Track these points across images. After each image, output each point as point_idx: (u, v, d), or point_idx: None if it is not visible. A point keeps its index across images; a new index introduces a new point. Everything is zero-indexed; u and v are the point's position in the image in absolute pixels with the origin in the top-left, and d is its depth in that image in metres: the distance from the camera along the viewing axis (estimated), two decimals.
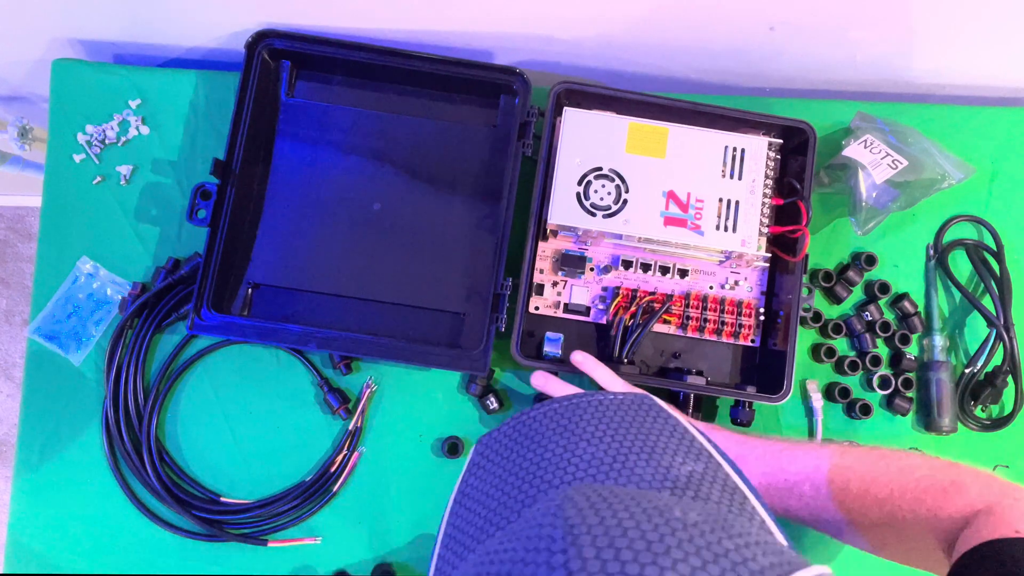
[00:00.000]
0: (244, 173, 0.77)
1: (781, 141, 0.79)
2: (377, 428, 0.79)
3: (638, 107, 0.78)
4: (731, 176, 0.76)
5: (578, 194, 0.74)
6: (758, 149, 0.76)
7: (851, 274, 0.81)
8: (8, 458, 1.60)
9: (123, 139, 0.83)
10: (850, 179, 0.79)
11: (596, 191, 0.75)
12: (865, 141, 0.78)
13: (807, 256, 0.75)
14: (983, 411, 0.81)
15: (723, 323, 0.78)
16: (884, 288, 0.81)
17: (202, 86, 0.83)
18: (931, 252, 0.83)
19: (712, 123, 0.78)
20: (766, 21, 0.77)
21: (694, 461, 0.37)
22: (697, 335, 0.79)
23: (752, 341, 0.79)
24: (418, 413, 0.80)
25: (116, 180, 0.82)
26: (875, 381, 0.79)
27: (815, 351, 0.81)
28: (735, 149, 0.76)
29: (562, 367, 0.75)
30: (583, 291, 0.79)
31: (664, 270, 0.79)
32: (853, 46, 0.81)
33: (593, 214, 0.74)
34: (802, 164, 0.77)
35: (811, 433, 0.81)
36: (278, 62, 0.81)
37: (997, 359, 0.80)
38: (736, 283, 0.80)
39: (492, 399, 0.78)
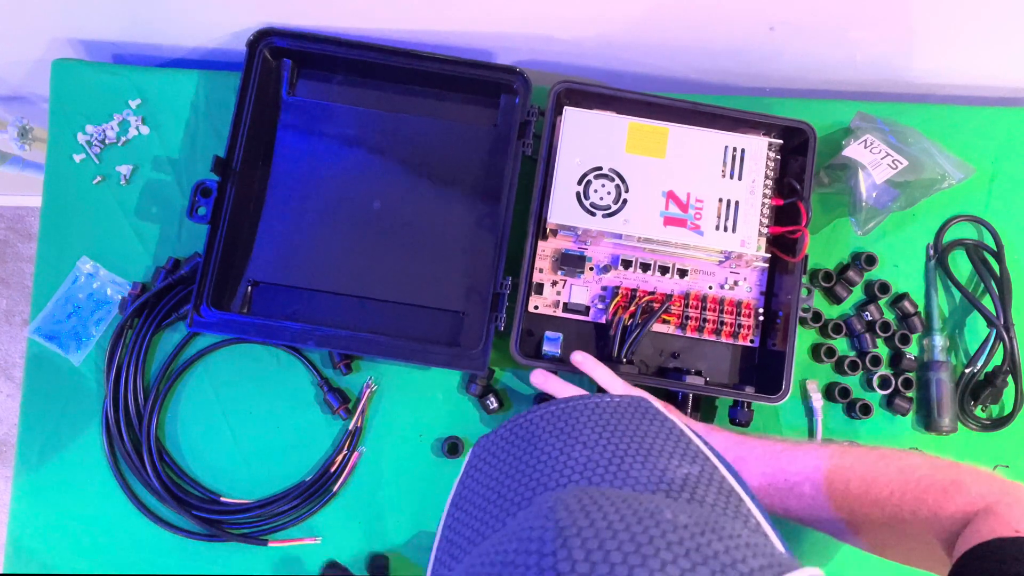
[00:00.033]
0: (244, 171, 0.77)
1: (781, 141, 0.79)
2: (377, 428, 0.79)
3: (638, 107, 0.78)
4: (731, 176, 0.76)
5: (578, 193, 0.74)
6: (758, 149, 0.76)
7: (851, 274, 0.81)
8: (8, 458, 1.60)
9: (123, 139, 0.83)
10: (850, 179, 0.79)
11: (596, 191, 0.75)
12: (865, 141, 0.78)
13: (807, 256, 0.75)
14: (983, 411, 0.81)
15: (722, 323, 0.78)
16: (884, 288, 0.81)
17: (202, 86, 0.83)
18: (931, 252, 0.83)
19: (712, 123, 0.78)
20: (766, 21, 0.77)
21: (690, 464, 0.37)
22: (696, 335, 0.79)
23: (751, 341, 0.79)
24: (418, 413, 0.80)
25: (116, 180, 0.82)
26: (875, 381, 0.79)
27: (815, 351, 0.81)
28: (735, 149, 0.76)
29: (561, 366, 0.75)
30: (582, 290, 0.79)
31: (663, 270, 0.79)
32: (853, 46, 0.81)
33: (593, 214, 0.74)
34: (802, 164, 0.77)
35: (811, 433, 0.81)
36: (279, 60, 0.81)
37: (997, 359, 0.80)
38: (735, 283, 0.80)
39: (492, 399, 0.78)
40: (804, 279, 0.75)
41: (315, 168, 0.81)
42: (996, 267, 0.82)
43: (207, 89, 0.83)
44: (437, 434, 0.79)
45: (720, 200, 0.75)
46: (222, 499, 0.78)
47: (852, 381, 0.81)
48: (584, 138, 0.75)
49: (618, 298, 0.78)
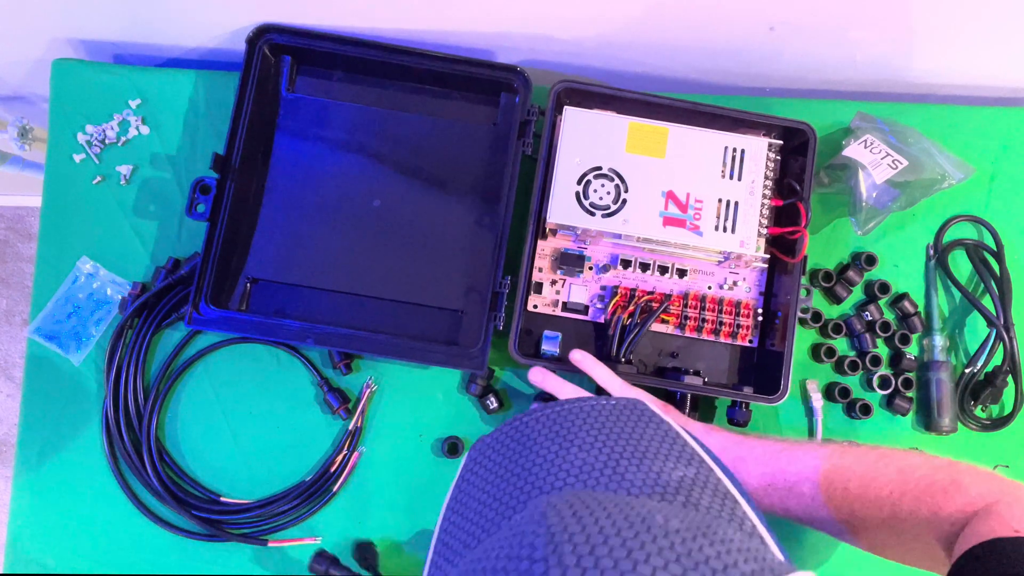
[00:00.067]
0: (244, 168, 0.77)
1: (781, 142, 0.79)
2: (377, 428, 0.79)
3: (638, 107, 0.78)
4: (731, 176, 0.76)
5: (577, 193, 0.74)
6: (758, 149, 0.76)
7: (851, 274, 0.81)
8: (8, 458, 1.60)
9: (123, 139, 0.83)
10: (850, 179, 0.79)
11: (595, 190, 0.75)
12: (865, 141, 0.78)
13: (806, 257, 0.75)
14: (983, 411, 0.81)
15: (721, 323, 0.78)
16: (884, 288, 0.81)
17: (202, 86, 0.83)
18: (931, 252, 0.83)
19: (712, 123, 0.78)
20: (766, 21, 0.77)
21: (685, 466, 0.37)
22: (695, 335, 0.79)
23: (750, 342, 0.79)
24: (418, 413, 0.80)
25: (116, 180, 0.82)
26: (875, 381, 0.79)
27: (815, 351, 0.81)
28: (735, 149, 0.76)
29: (560, 366, 0.75)
30: (582, 290, 0.79)
31: (663, 270, 0.79)
32: (853, 46, 0.81)
33: (592, 213, 0.74)
34: (802, 165, 0.77)
35: (811, 433, 0.81)
36: (279, 57, 0.81)
37: (997, 359, 0.80)
38: (735, 283, 0.80)
39: (492, 399, 0.78)
40: (803, 280, 0.75)
41: (314, 166, 0.81)
42: (996, 267, 0.82)
43: (207, 89, 0.83)
44: (437, 434, 0.79)
45: (720, 200, 0.75)
46: (222, 499, 0.78)
47: (852, 381, 0.81)
48: (584, 138, 0.75)
49: (617, 298, 0.78)
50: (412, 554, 0.78)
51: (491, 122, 0.82)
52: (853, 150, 0.78)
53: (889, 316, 0.82)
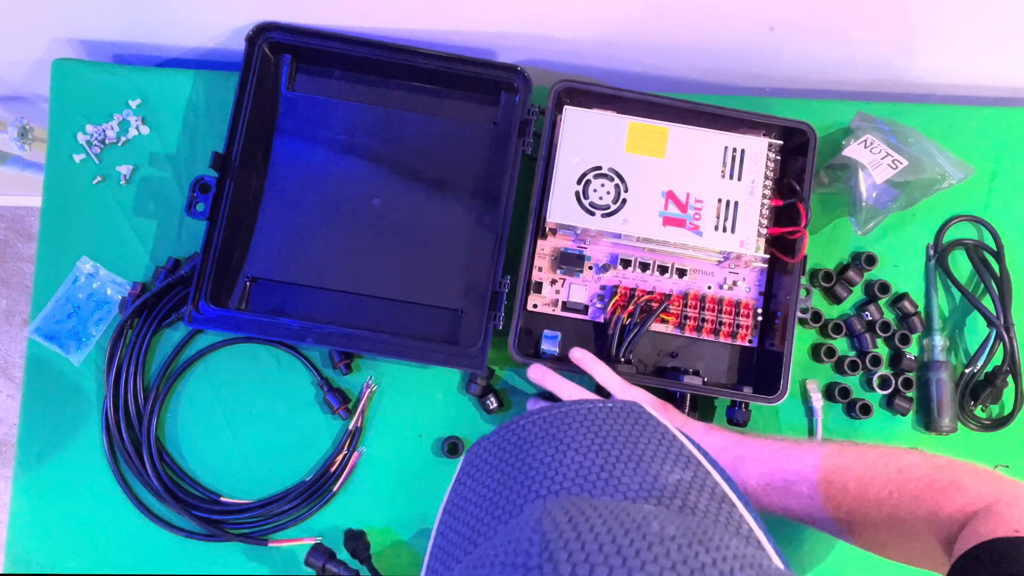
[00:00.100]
0: (243, 167, 0.77)
1: (781, 142, 0.79)
2: (377, 428, 0.79)
3: (638, 106, 0.78)
4: (731, 176, 0.76)
5: (577, 193, 0.74)
6: (758, 149, 0.76)
7: (851, 274, 0.81)
8: (8, 458, 1.60)
9: (123, 139, 0.83)
10: (850, 179, 0.79)
11: (595, 190, 0.75)
12: (865, 141, 0.78)
13: (806, 257, 0.75)
14: (983, 411, 0.81)
15: (721, 323, 0.78)
16: (884, 288, 0.81)
17: (201, 86, 0.83)
18: (931, 252, 0.83)
19: (712, 123, 0.78)
20: (766, 21, 0.77)
21: (682, 469, 0.37)
22: (695, 335, 0.79)
23: (749, 342, 0.79)
24: (418, 413, 0.80)
25: (116, 180, 0.82)
26: (875, 381, 0.79)
27: (815, 351, 0.81)
28: (735, 149, 0.76)
29: (559, 365, 0.75)
30: (581, 289, 0.79)
31: (662, 269, 0.79)
32: (853, 46, 0.81)
33: (592, 213, 0.74)
34: (802, 165, 0.77)
35: (811, 433, 0.81)
36: (279, 56, 0.81)
37: (997, 359, 0.80)
38: (734, 283, 0.80)
39: (492, 399, 0.78)
40: (803, 280, 0.75)
41: (314, 165, 0.81)
42: (996, 267, 0.82)
43: (207, 89, 0.83)
44: (437, 434, 0.79)
45: (719, 200, 0.75)
46: (222, 499, 0.78)
47: (852, 381, 0.81)
48: (584, 137, 0.75)
49: (617, 297, 0.78)
50: (412, 554, 0.78)
51: (491, 121, 0.82)
52: (853, 150, 0.78)
53: (889, 316, 0.82)
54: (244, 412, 0.79)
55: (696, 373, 0.78)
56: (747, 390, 0.76)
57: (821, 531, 0.62)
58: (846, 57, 0.83)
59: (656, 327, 0.78)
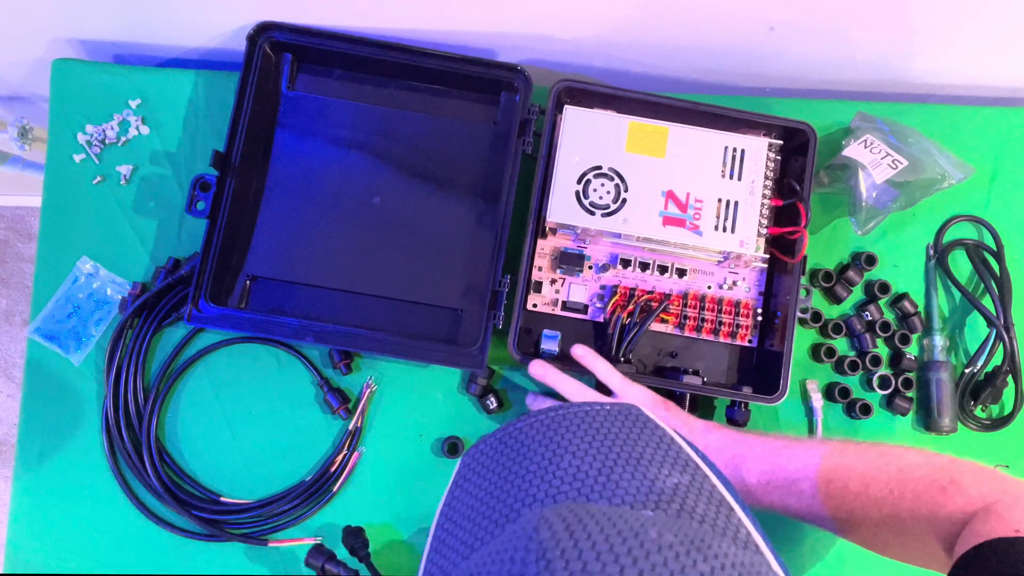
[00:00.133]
0: (244, 165, 0.77)
1: (781, 142, 0.79)
2: (377, 428, 0.79)
3: (638, 106, 0.78)
4: (731, 176, 0.76)
5: (577, 192, 0.75)
6: (758, 149, 0.76)
7: (851, 274, 0.81)
8: (8, 458, 1.60)
9: (123, 139, 0.83)
10: (850, 179, 0.79)
11: (595, 190, 0.75)
12: (865, 141, 0.78)
13: (805, 257, 0.75)
14: (983, 411, 0.81)
15: (720, 323, 0.78)
16: (884, 288, 0.81)
17: (202, 86, 0.83)
18: (931, 252, 0.83)
19: (712, 123, 0.78)
20: (766, 21, 0.77)
21: (680, 473, 0.37)
22: (694, 335, 0.79)
23: (749, 341, 0.79)
24: (418, 413, 0.80)
25: (116, 180, 0.82)
26: (875, 381, 0.79)
27: (815, 351, 0.81)
28: (735, 149, 0.76)
29: (559, 364, 0.75)
30: (581, 289, 0.79)
31: (662, 269, 0.79)
32: (853, 46, 0.81)
33: (592, 213, 0.74)
34: (802, 165, 0.77)
35: (811, 433, 0.81)
36: (279, 55, 0.81)
37: (997, 359, 0.80)
38: (734, 283, 0.80)
39: (492, 399, 0.78)
40: (803, 280, 0.75)
41: (314, 164, 0.81)
42: (996, 267, 0.82)
43: (207, 89, 0.83)
44: (437, 434, 0.79)
45: (719, 200, 0.75)
46: (222, 499, 0.78)
47: (852, 381, 0.81)
48: (584, 137, 0.75)
49: (617, 297, 0.78)
50: (411, 553, 0.78)
51: (491, 121, 0.82)
52: (853, 150, 0.78)
53: (889, 316, 0.82)
54: (244, 412, 0.79)
55: (696, 373, 0.78)
56: (747, 390, 0.76)
57: (822, 529, 0.62)
58: (846, 57, 0.83)
59: (656, 327, 0.78)
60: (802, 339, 0.81)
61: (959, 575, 0.46)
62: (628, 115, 0.77)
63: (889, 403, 0.81)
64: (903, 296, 0.81)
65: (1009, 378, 0.79)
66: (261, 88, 0.78)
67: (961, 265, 0.83)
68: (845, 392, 0.79)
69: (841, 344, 0.81)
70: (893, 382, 0.79)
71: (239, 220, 0.79)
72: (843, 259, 0.83)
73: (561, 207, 0.74)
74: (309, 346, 0.80)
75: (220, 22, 0.81)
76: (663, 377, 0.77)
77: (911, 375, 0.80)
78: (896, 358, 0.81)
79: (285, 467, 0.78)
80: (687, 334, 0.79)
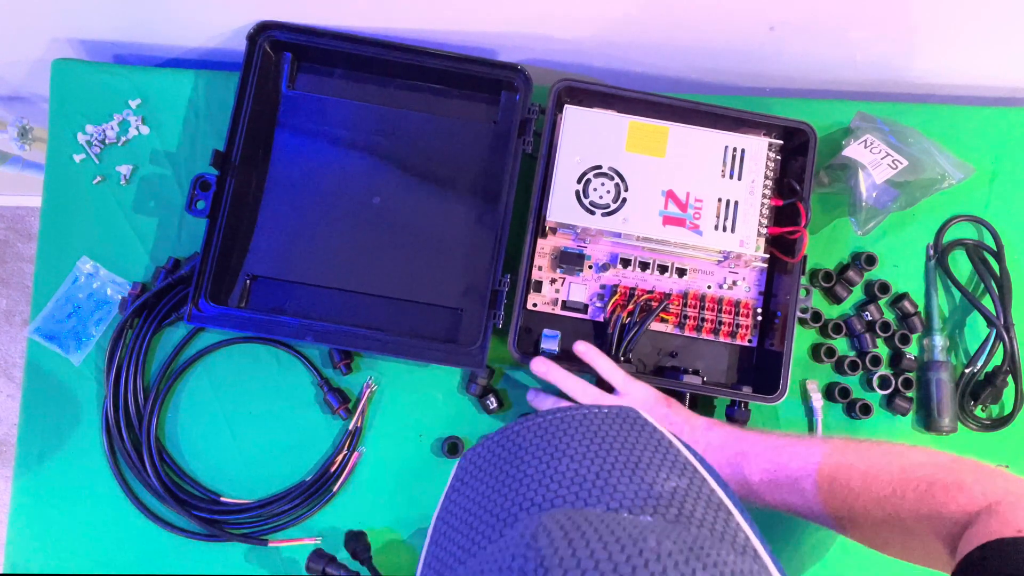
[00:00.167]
0: (244, 165, 0.78)
1: (781, 141, 0.79)
2: (377, 428, 0.79)
3: (639, 106, 0.78)
4: (731, 176, 0.76)
5: (577, 192, 0.75)
6: (758, 149, 0.76)
7: (851, 274, 0.81)
8: (8, 458, 1.60)
9: (123, 139, 0.83)
10: (850, 179, 0.79)
11: (595, 189, 0.75)
12: (865, 141, 0.78)
13: (805, 257, 0.75)
14: (983, 411, 0.81)
15: (720, 323, 0.78)
16: (884, 288, 0.81)
17: (202, 86, 0.83)
18: (931, 252, 0.83)
19: (712, 123, 0.78)
20: (766, 21, 0.77)
21: (678, 477, 0.37)
22: (694, 334, 0.79)
23: (749, 341, 0.79)
24: (418, 413, 0.80)
25: (116, 180, 0.82)
26: (875, 381, 0.79)
27: (815, 351, 0.81)
28: (735, 149, 0.76)
29: (561, 362, 0.74)
30: (581, 288, 0.79)
31: (662, 269, 0.79)
32: (853, 46, 0.81)
33: (592, 212, 0.74)
34: (802, 164, 0.77)
35: (811, 433, 0.81)
36: (279, 54, 0.81)
37: (997, 359, 0.80)
38: (734, 283, 0.80)
39: (492, 399, 0.78)
40: (803, 280, 0.75)
41: (314, 163, 0.81)
42: (996, 267, 0.82)
43: (207, 89, 0.83)
44: (437, 434, 0.79)
45: (719, 200, 0.75)
46: (222, 499, 0.78)
47: (852, 381, 0.81)
48: (584, 136, 0.75)
49: (617, 296, 0.78)
50: (411, 553, 0.78)
51: (492, 120, 0.82)
52: (853, 150, 0.78)
53: (889, 316, 0.82)
54: (244, 412, 0.79)
55: (696, 372, 0.78)
56: (747, 390, 0.76)
57: (823, 527, 0.62)
58: (846, 57, 0.83)
59: (656, 326, 0.78)
60: (802, 339, 0.81)
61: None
62: (628, 115, 0.77)
63: (889, 403, 0.81)
64: (903, 296, 0.81)
65: (1009, 378, 0.79)
66: (261, 88, 0.78)
67: (961, 265, 0.83)
68: (845, 392, 0.79)
69: (841, 344, 0.81)
70: (893, 382, 0.79)
71: (239, 220, 0.79)
72: (843, 259, 0.83)
73: (561, 206, 0.74)
74: (309, 346, 0.80)
75: (220, 22, 0.81)
76: (663, 377, 0.77)
77: (911, 375, 0.80)
78: (896, 358, 0.81)
79: (285, 467, 0.78)
80: (687, 334, 0.79)
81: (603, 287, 0.79)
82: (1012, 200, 0.84)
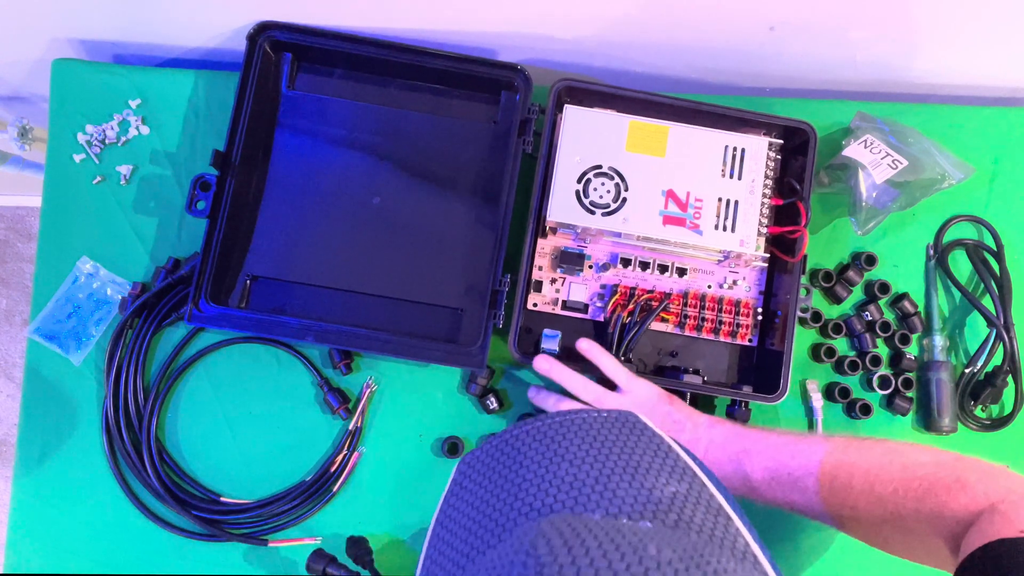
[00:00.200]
0: (244, 165, 0.78)
1: (781, 141, 0.79)
2: (377, 428, 0.79)
3: (639, 105, 0.78)
4: (731, 176, 0.76)
5: (577, 192, 0.75)
6: (758, 149, 0.76)
7: (851, 274, 0.81)
8: (8, 458, 1.60)
9: (123, 139, 0.83)
10: (850, 179, 0.79)
11: (596, 189, 0.75)
12: (865, 141, 0.78)
13: (806, 257, 0.75)
14: (983, 411, 0.81)
15: (721, 322, 0.78)
16: (884, 288, 0.81)
17: (202, 86, 0.83)
18: (931, 252, 0.83)
19: (712, 123, 0.78)
20: (766, 21, 0.77)
21: (677, 481, 0.37)
22: (695, 334, 0.79)
23: (749, 341, 0.79)
24: (418, 413, 0.80)
25: (116, 180, 0.82)
26: (875, 381, 0.79)
27: (815, 351, 0.81)
28: (735, 149, 0.76)
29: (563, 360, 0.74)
30: (581, 288, 0.79)
31: (663, 268, 0.79)
32: (853, 46, 0.81)
33: (592, 212, 0.74)
34: (802, 164, 0.77)
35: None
36: (279, 54, 0.81)
37: (997, 359, 0.80)
38: (735, 282, 0.80)
39: (492, 399, 0.78)
40: (803, 279, 0.75)
41: (314, 163, 0.81)
42: (996, 267, 0.82)
43: (207, 89, 0.83)
44: (437, 434, 0.79)
45: (720, 199, 0.75)
46: (222, 499, 0.77)
47: (852, 381, 0.81)
48: (584, 136, 0.75)
49: (617, 296, 0.78)
50: (411, 554, 0.77)
51: (492, 120, 0.82)
52: (853, 150, 0.78)
53: (889, 316, 0.82)
54: (244, 412, 0.79)
55: (696, 372, 0.78)
56: (747, 389, 0.76)
57: (825, 525, 0.61)
58: (846, 57, 0.83)
59: (656, 326, 0.78)
60: (802, 339, 0.81)
61: None
62: (628, 114, 0.77)
63: (889, 403, 0.80)
64: (903, 296, 0.81)
65: (1009, 378, 0.79)
66: (261, 88, 0.78)
67: (961, 265, 0.83)
68: (845, 392, 0.79)
69: (841, 344, 0.81)
70: (893, 382, 0.79)
71: (239, 220, 0.79)
72: (843, 259, 0.83)
73: (561, 206, 0.74)
74: (309, 346, 0.80)
75: (220, 22, 0.81)
76: (663, 376, 0.77)
77: (911, 375, 0.80)
78: (896, 358, 0.81)
79: (285, 467, 0.78)
80: (687, 333, 0.79)
81: (603, 287, 0.79)
82: (1012, 200, 0.84)
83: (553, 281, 0.79)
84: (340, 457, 0.78)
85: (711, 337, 0.79)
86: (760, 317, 0.79)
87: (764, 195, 0.76)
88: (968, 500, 0.51)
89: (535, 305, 0.79)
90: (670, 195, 0.75)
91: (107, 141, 0.82)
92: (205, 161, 0.76)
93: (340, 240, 0.80)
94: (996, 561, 0.44)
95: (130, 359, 0.79)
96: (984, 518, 0.49)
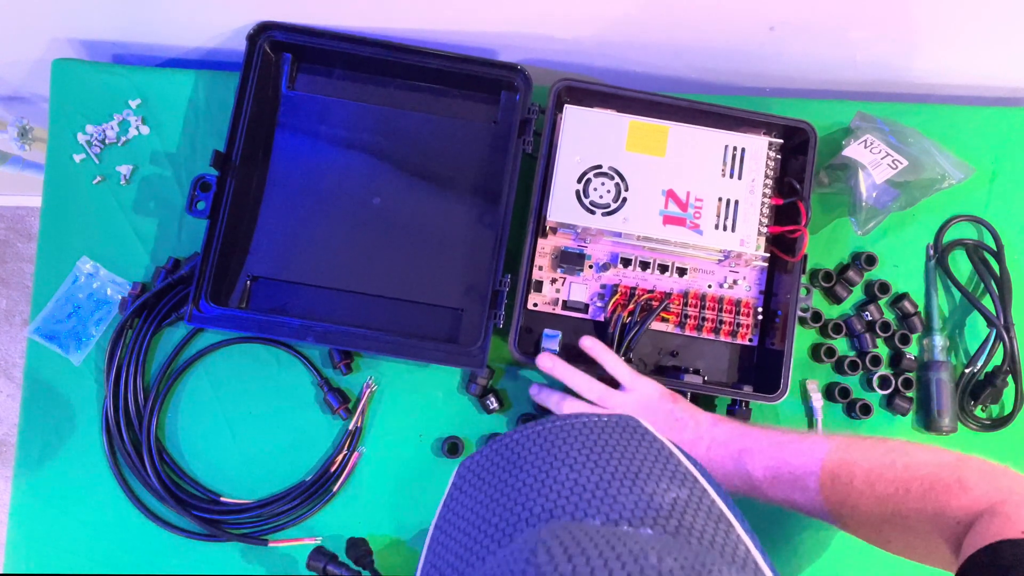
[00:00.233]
0: (244, 165, 0.78)
1: (781, 141, 0.79)
2: (377, 428, 0.79)
3: (639, 105, 0.78)
4: (731, 175, 0.76)
5: (578, 192, 0.75)
6: (758, 149, 0.76)
7: (851, 274, 0.81)
8: (8, 458, 1.60)
9: (123, 139, 0.83)
10: (850, 179, 0.79)
11: (596, 189, 0.75)
12: (865, 141, 0.78)
13: (806, 256, 0.75)
14: (983, 411, 0.81)
15: (721, 322, 0.78)
16: (884, 288, 0.81)
17: (202, 86, 0.83)
18: (931, 252, 0.83)
19: (712, 122, 0.78)
20: (766, 21, 0.77)
21: (678, 487, 0.37)
22: (695, 334, 0.79)
23: (750, 340, 0.79)
24: (418, 413, 0.80)
25: (116, 180, 0.82)
26: (875, 381, 0.79)
27: (815, 351, 0.81)
28: (735, 148, 0.76)
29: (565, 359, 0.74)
30: (582, 288, 0.79)
31: (663, 268, 0.79)
32: (853, 46, 0.81)
33: (592, 212, 0.74)
34: (802, 164, 0.77)
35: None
36: (279, 54, 0.81)
37: (997, 359, 0.80)
38: (735, 282, 0.80)
39: (492, 399, 0.78)
40: (803, 279, 0.75)
41: (315, 163, 0.81)
42: (996, 267, 0.82)
43: (207, 89, 0.83)
44: (437, 434, 0.79)
45: (720, 199, 0.75)
46: (222, 499, 0.77)
47: (852, 381, 0.81)
48: (584, 136, 0.75)
49: (617, 296, 0.78)
50: (411, 554, 0.77)
51: (491, 120, 0.82)
52: (853, 150, 0.78)
53: (889, 316, 0.82)
54: (244, 412, 0.79)
55: (696, 372, 0.78)
56: (747, 389, 0.76)
57: (826, 523, 0.61)
58: (846, 57, 0.83)
59: (656, 326, 0.78)
60: (802, 339, 0.81)
61: None
62: (628, 114, 0.77)
63: (889, 403, 0.81)
64: (903, 296, 0.81)
65: (1009, 378, 0.79)
66: (261, 88, 0.78)
67: (961, 265, 0.83)
68: (845, 392, 0.79)
69: (841, 344, 0.81)
70: (893, 382, 0.79)
71: (239, 220, 0.79)
72: (843, 259, 0.83)
73: (561, 206, 0.74)
74: (309, 346, 0.80)
75: (220, 22, 0.81)
76: (664, 376, 0.77)
77: (911, 375, 0.80)
78: (896, 358, 0.81)
79: (285, 467, 0.78)
80: (688, 333, 0.79)
81: (603, 287, 0.79)
82: (1012, 200, 0.84)
83: (553, 281, 0.79)
84: (340, 457, 0.78)
85: (711, 337, 0.79)
86: (760, 317, 0.79)
87: (764, 195, 0.76)
88: (969, 500, 0.51)
89: (535, 305, 0.79)
90: (670, 195, 0.75)
91: (107, 141, 0.82)
92: (205, 161, 0.76)
93: (340, 240, 0.80)
94: (997, 562, 0.44)
95: (130, 359, 0.78)
96: (985, 519, 0.49)
